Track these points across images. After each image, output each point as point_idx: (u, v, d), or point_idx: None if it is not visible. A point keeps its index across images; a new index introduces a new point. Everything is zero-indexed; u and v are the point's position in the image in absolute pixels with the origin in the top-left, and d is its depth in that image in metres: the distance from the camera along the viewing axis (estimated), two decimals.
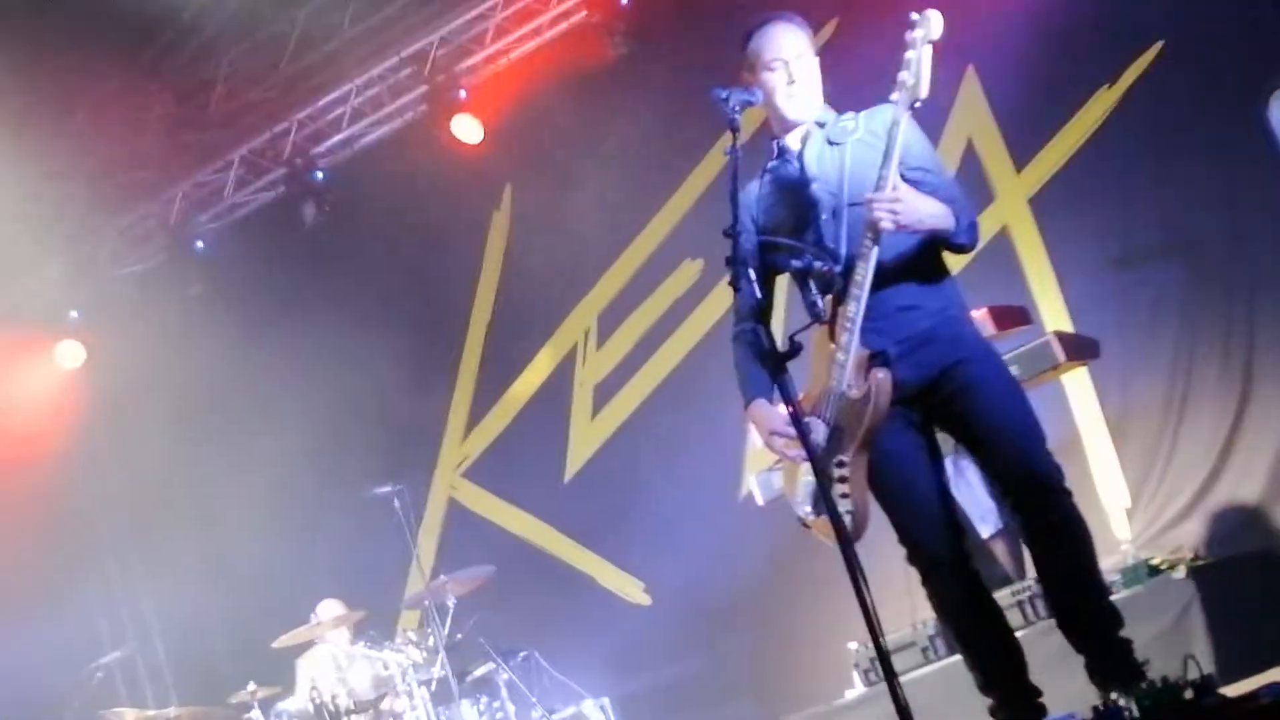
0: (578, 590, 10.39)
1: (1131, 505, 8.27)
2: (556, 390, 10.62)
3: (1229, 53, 8.03)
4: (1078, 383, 8.37)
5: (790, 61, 4.81)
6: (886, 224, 4.50)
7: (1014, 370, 6.53)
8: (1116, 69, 8.46)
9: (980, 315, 6.58)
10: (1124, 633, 4.66)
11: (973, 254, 4.85)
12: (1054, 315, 8.48)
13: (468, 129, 10.33)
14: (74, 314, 11.56)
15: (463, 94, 10.34)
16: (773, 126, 4.95)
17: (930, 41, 4.53)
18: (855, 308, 4.55)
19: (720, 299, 9.57)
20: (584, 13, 10.08)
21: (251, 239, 11.47)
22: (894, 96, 4.57)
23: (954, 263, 4.88)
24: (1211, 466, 8.04)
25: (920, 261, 4.73)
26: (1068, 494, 4.68)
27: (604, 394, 10.47)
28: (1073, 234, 8.66)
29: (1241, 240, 8.10)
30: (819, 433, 4.64)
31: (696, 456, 9.77)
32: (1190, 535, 7.88)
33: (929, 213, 4.59)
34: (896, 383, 4.61)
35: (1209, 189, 8.18)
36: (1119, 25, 8.43)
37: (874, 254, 4.54)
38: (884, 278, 4.58)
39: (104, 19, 9.41)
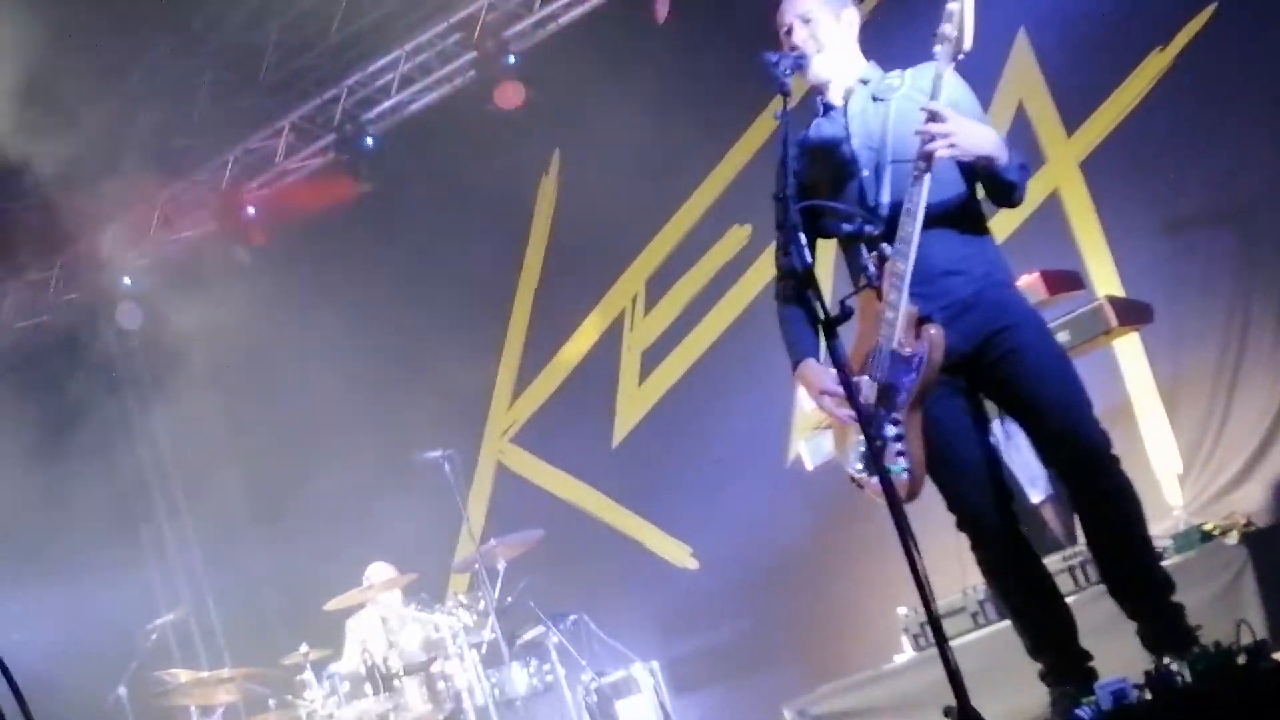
0: (626, 555, 10.44)
1: (1184, 471, 8.23)
2: (604, 356, 10.66)
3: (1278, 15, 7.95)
4: (1130, 348, 8.33)
5: (797, 24, 4.80)
6: (941, 148, 4.45)
7: (1065, 335, 6.54)
8: (1169, 32, 8.39)
9: (1032, 279, 6.54)
10: (1176, 598, 4.65)
11: (1023, 218, 4.82)
12: (1105, 280, 8.43)
13: (515, 95, 10.31)
14: (126, 280, 11.64)
15: (511, 59, 10.33)
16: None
17: None
18: (904, 264, 4.52)
19: (767, 264, 9.55)
20: None
21: (301, 205, 11.49)
22: (936, 49, 4.54)
23: (1004, 227, 4.85)
24: (1265, 432, 7.98)
25: (962, 220, 4.70)
26: (1115, 460, 4.66)
27: (651, 359, 10.49)
28: (1124, 198, 8.61)
29: None
30: (869, 392, 4.63)
31: (744, 421, 9.79)
32: (1243, 501, 7.81)
33: (982, 136, 4.54)
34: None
35: (1261, 153, 8.10)
36: None
37: (923, 199, 4.48)
38: (927, 239, 4.55)
39: None
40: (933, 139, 4.46)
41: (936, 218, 4.60)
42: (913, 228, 4.51)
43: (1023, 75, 8.86)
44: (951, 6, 4.49)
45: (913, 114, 4.63)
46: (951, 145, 4.46)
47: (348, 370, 10.69)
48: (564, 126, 10.47)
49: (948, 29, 4.50)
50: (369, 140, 10.94)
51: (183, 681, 9.22)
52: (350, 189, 10.98)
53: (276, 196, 11.53)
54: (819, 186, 4.83)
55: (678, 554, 10.29)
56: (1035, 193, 4.66)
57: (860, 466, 4.75)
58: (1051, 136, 8.82)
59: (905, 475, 4.56)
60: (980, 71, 4.62)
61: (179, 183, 11.55)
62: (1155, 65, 8.45)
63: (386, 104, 11.02)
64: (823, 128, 4.90)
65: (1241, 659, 4.05)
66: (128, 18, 9.79)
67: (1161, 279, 8.23)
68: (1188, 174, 8.35)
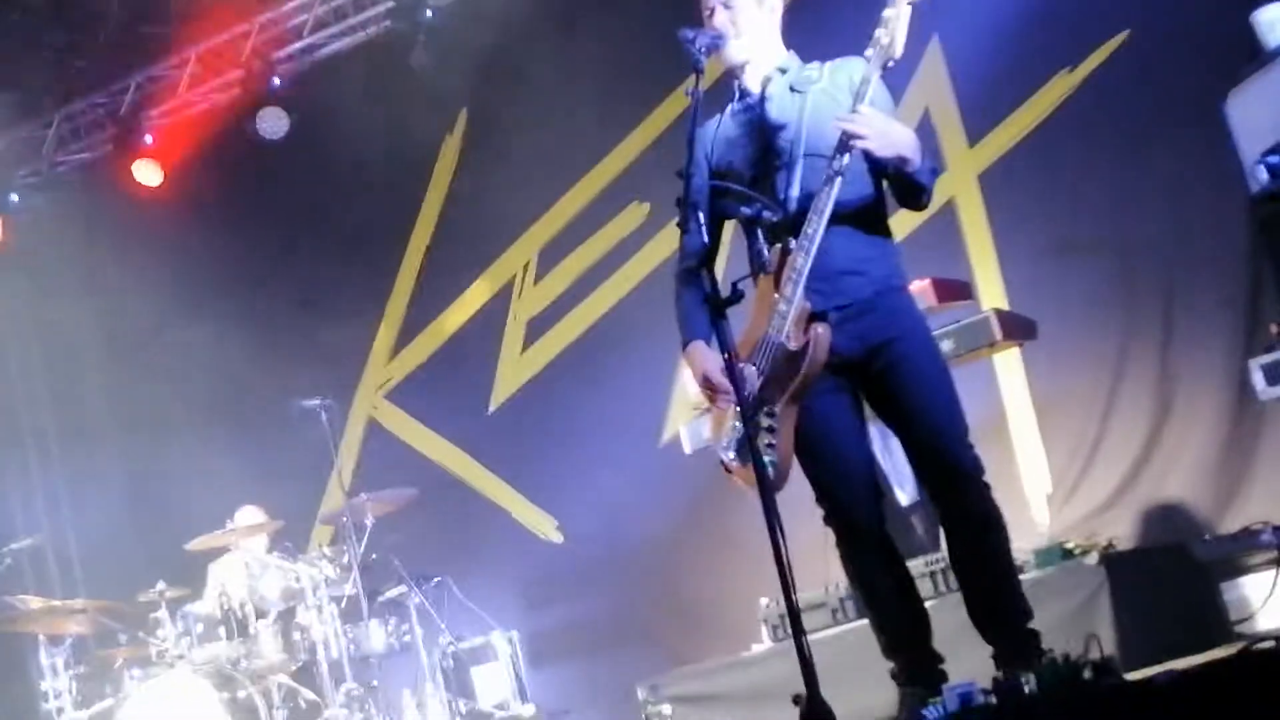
0: (492, 522, 10.40)
1: (1052, 491, 8.34)
2: (489, 321, 10.60)
3: (1191, 48, 8.04)
4: (1009, 363, 8.43)
5: (719, 8, 4.82)
6: (861, 139, 4.48)
7: (949, 344, 6.60)
8: (1079, 54, 8.47)
9: (923, 286, 6.58)
10: (1032, 625, 4.73)
11: (917, 223, 4.87)
12: (991, 292, 8.52)
13: (421, 61, 10.21)
14: (14, 197, 11.40)
15: (429, 14, 10.22)
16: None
17: (911, 3, 4.51)
18: (804, 260, 4.55)
19: (662, 245, 9.57)
20: None
21: (199, 139, 11.30)
22: (868, 53, 4.58)
23: (899, 229, 4.89)
24: (1134, 459, 8.11)
25: (868, 221, 4.74)
26: (986, 486, 4.74)
27: (536, 329, 10.45)
28: (1018, 214, 8.70)
29: (1184, 238, 8.12)
30: (752, 380, 4.65)
31: (622, 400, 9.78)
32: (1108, 525, 7.91)
33: (900, 136, 4.58)
34: (832, 346, 4.63)
35: (1158, 184, 8.20)
36: (1088, 10, 8.44)
37: (833, 195, 4.51)
38: (830, 237, 4.57)
39: None
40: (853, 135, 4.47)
41: (842, 216, 4.63)
42: (818, 225, 4.54)
43: (932, 82, 8.91)
44: (888, 14, 4.53)
45: (829, 108, 4.68)
46: (869, 129, 4.48)
47: (230, 309, 10.57)
48: (474, 86, 10.38)
49: (881, 34, 4.54)
50: (275, 80, 10.76)
51: (33, 608, 9.04)
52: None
53: (176, 127, 11.34)
54: (728, 171, 4.84)
55: (543, 525, 10.28)
56: (934, 199, 4.71)
57: (733, 454, 4.77)
58: (954, 146, 8.90)
59: (770, 468, 4.58)
60: (891, 74, 4.64)
61: (77, 103, 11.30)
62: (1062, 86, 8.53)
63: (297, 45, 10.86)
64: (737, 113, 4.91)
65: (1088, 673, 4.12)
66: None
67: (1046, 297, 8.30)
68: (1082, 196, 8.44)
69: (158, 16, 10.89)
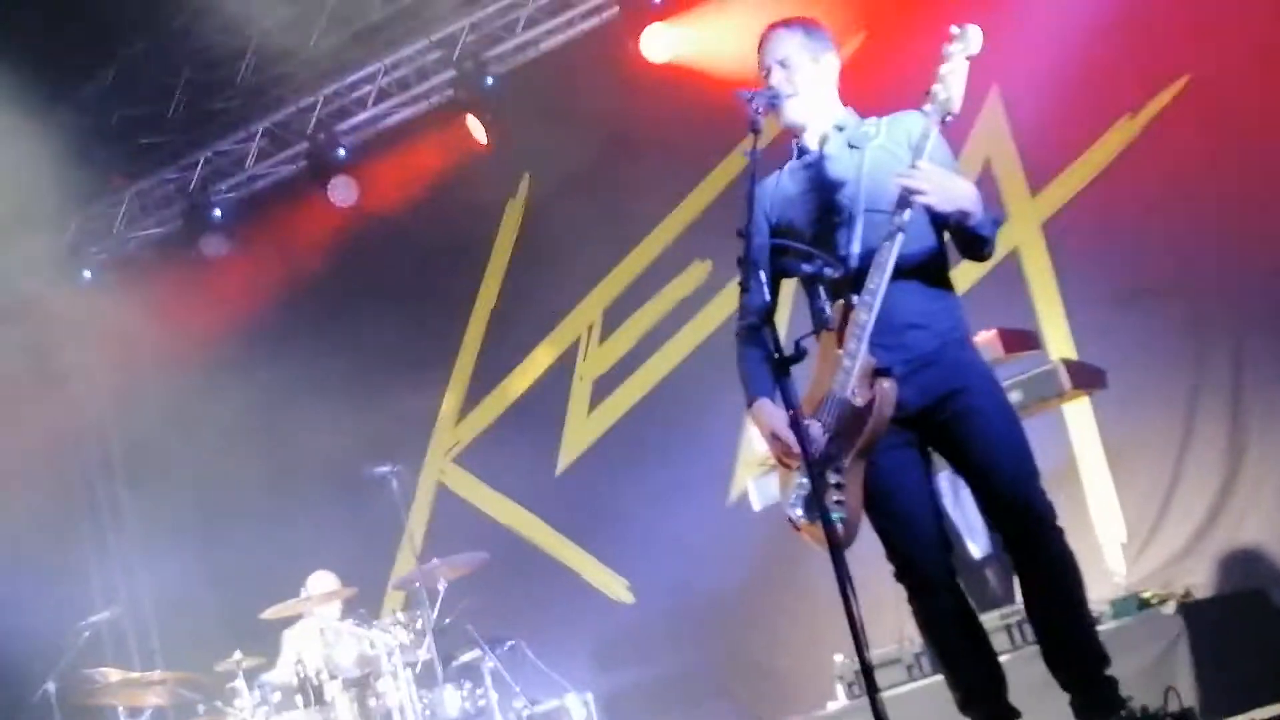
0: (564, 584, 10.39)
1: (1127, 540, 8.26)
2: (556, 382, 10.63)
3: (1252, 94, 8.02)
4: (1079, 412, 8.37)
5: (775, 67, 4.84)
6: (921, 195, 4.47)
7: (1018, 395, 6.56)
8: (1140, 100, 8.46)
9: (989, 337, 6.56)
10: (1110, 671, 4.68)
11: (982, 273, 4.85)
12: (1058, 341, 8.48)
13: (479, 128, 10.33)
14: (87, 274, 11.57)
15: (490, 80, 10.34)
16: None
17: (969, 57, 4.53)
18: (867, 316, 4.54)
19: (725, 302, 9.57)
20: (616, 9, 10.10)
21: (268, 211, 11.46)
22: (926, 108, 4.58)
23: (963, 280, 4.88)
24: (1210, 506, 8.04)
25: (930, 274, 4.73)
26: (1059, 531, 4.70)
27: (602, 389, 10.47)
28: (1083, 262, 8.66)
29: (1250, 282, 8.08)
30: (818, 437, 4.64)
31: (689, 458, 9.77)
32: (1185, 572, 7.86)
33: (961, 190, 4.57)
34: (898, 400, 4.62)
35: (1222, 229, 8.17)
36: (1148, 57, 8.43)
37: (895, 250, 4.52)
38: (893, 291, 4.57)
39: None
40: (914, 191, 4.48)
41: (905, 271, 4.63)
42: (880, 280, 4.53)
43: (992, 132, 8.91)
44: (944, 69, 4.54)
45: (888, 164, 4.68)
46: (928, 185, 4.49)
47: (301, 377, 10.64)
48: (536, 151, 10.45)
49: (939, 90, 4.54)
50: (341, 151, 10.90)
51: (112, 681, 9.13)
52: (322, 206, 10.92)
53: (244, 200, 11.50)
54: (788, 229, 4.85)
55: (614, 587, 10.26)
56: (996, 249, 4.70)
57: (800, 511, 4.76)
58: (1016, 195, 8.88)
59: (839, 524, 4.56)
60: (950, 126, 4.64)
61: (146, 180, 11.48)
62: (1124, 132, 8.51)
63: (362, 116, 11.01)
64: (795, 171, 4.93)
65: None
66: (108, 14, 9.81)
67: (1114, 345, 8.25)
68: (1147, 243, 8.39)
69: (225, 92, 11.06)
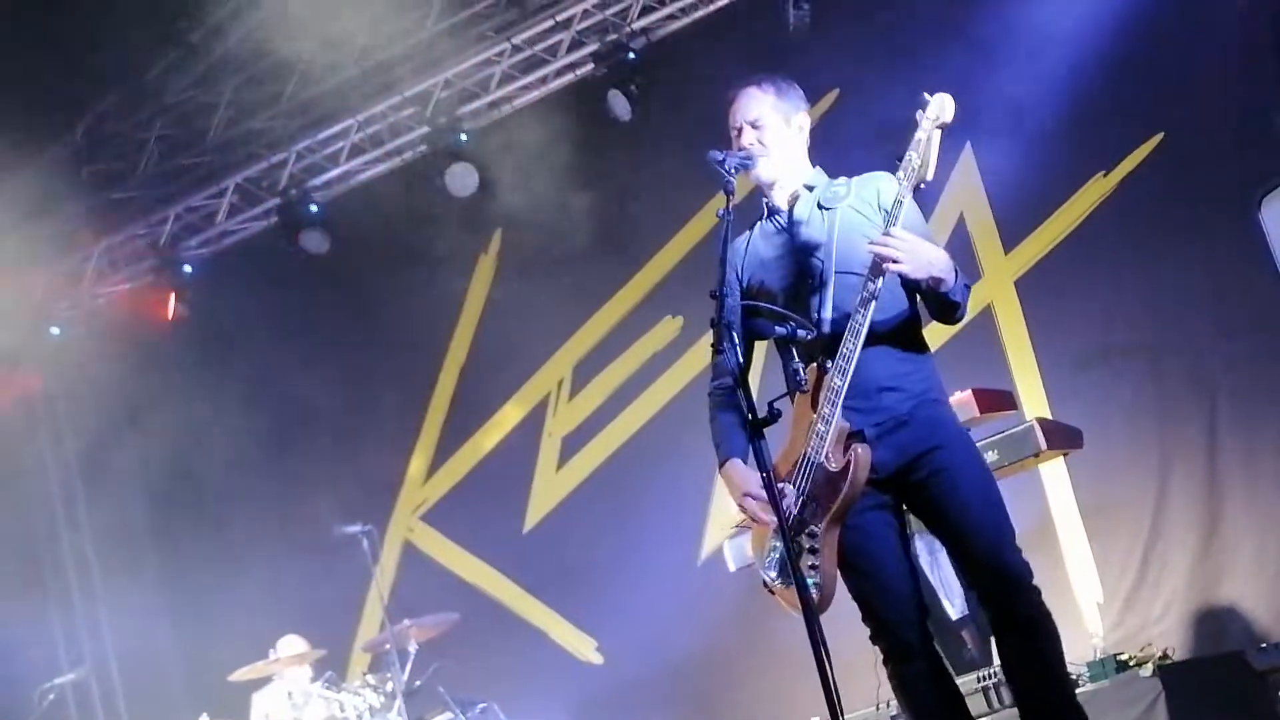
0: (534, 644, 10.31)
1: (1104, 601, 8.21)
2: (525, 439, 10.57)
3: (1225, 150, 8.05)
4: (1054, 472, 8.33)
5: (746, 128, 4.81)
6: (895, 263, 4.43)
7: (993, 456, 6.53)
8: (1113, 158, 8.48)
9: (964, 397, 6.55)
10: None
11: (954, 331, 4.82)
12: (1032, 399, 8.46)
13: (461, 181, 10.28)
14: (55, 330, 11.47)
15: (463, 138, 10.32)
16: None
17: (940, 126, 4.50)
18: (840, 381, 4.50)
19: (696, 358, 9.56)
20: (590, 65, 10.10)
21: (237, 268, 11.39)
22: (899, 176, 4.54)
23: (936, 338, 4.84)
24: (1187, 567, 8.02)
25: (903, 337, 4.70)
26: (1036, 591, 4.64)
27: (571, 446, 10.42)
28: (1057, 319, 8.66)
29: (1224, 341, 8.09)
30: (791, 501, 4.59)
31: (658, 516, 9.73)
32: (1162, 633, 7.83)
33: (934, 257, 4.52)
34: (874, 463, 4.57)
35: (1195, 287, 8.18)
36: (1122, 114, 8.47)
37: (868, 316, 4.48)
38: (866, 355, 4.53)
39: (112, 31, 9.41)
40: (887, 259, 4.45)
41: (878, 335, 4.60)
42: (854, 346, 4.49)
43: (966, 188, 8.92)
44: (918, 136, 4.51)
45: (858, 224, 4.65)
46: (902, 252, 4.45)
47: (267, 433, 10.57)
48: (509, 207, 10.42)
49: (912, 157, 4.51)
50: (313, 206, 10.86)
51: None
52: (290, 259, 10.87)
53: (215, 256, 11.44)
54: (760, 291, 4.81)
55: (582, 647, 10.17)
56: (970, 306, 4.66)
57: (774, 574, 4.70)
58: (989, 251, 8.88)
59: (814, 590, 4.50)
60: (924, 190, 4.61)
61: (116, 235, 11.41)
62: (1097, 190, 8.53)
63: (334, 171, 10.98)
64: (767, 232, 4.89)
65: None
66: (80, 67, 9.77)
67: (1089, 403, 8.25)
68: (1121, 301, 8.41)
69: (196, 148, 11.01)
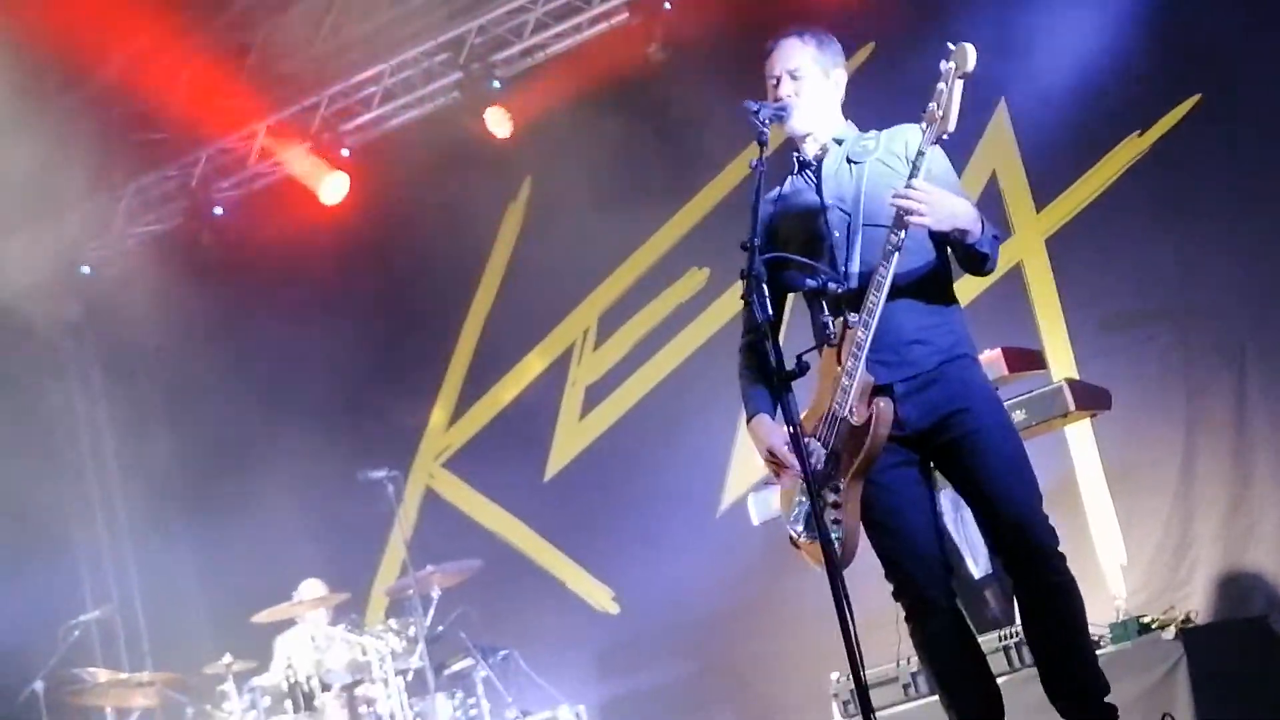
0: (554, 593, 10.31)
1: (1128, 563, 8.19)
2: (548, 387, 10.54)
3: (1264, 116, 7.97)
4: (1080, 433, 8.29)
5: (785, 78, 4.78)
6: (917, 216, 4.42)
7: (1021, 415, 6.52)
8: (1148, 118, 8.39)
9: (994, 355, 6.52)
10: (1110, 699, 4.61)
11: (984, 287, 4.78)
12: (1060, 358, 8.40)
13: (498, 121, 10.26)
14: (85, 269, 11.50)
15: (496, 84, 10.29)
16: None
17: (963, 76, 4.45)
18: (864, 334, 4.49)
19: (722, 310, 9.53)
20: (626, 14, 10.04)
21: (269, 209, 11.39)
22: (922, 127, 4.52)
23: (965, 293, 4.82)
24: (1213, 531, 7.97)
25: (930, 290, 4.68)
26: (1061, 558, 4.63)
27: (595, 395, 10.39)
28: (1086, 279, 8.60)
29: (1255, 304, 8.02)
30: (817, 455, 4.58)
31: (679, 468, 9.71)
32: (1185, 597, 7.80)
33: (957, 208, 4.51)
34: (899, 419, 4.56)
35: (1227, 251, 8.10)
36: (1159, 74, 8.38)
37: (891, 268, 4.47)
38: (893, 308, 4.52)
39: None
40: (909, 211, 4.42)
41: (904, 287, 4.58)
42: (878, 298, 4.48)
43: (999, 145, 8.85)
44: (940, 87, 4.47)
45: (886, 178, 4.63)
46: (925, 204, 4.42)
47: (292, 378, 10.59)
48: (539, 155, 10.39)
49: (934, 109, 4.47)
50: (345, 151, 10.84)
51: (101, 681, 9.10)
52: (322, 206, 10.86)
53: (246, 198, 11.44)
54: (789, 241, 4.78)
55: (599, 596, 10.17)
56: (1000, 263, 4.64)
57: (801, 528, 4.70)
58: (1020, 209, 8.81)
59: (837, 544, 4.49)
60: (957, 136, 4.55)
61: (147, 175, 11.41)
62: (1131, 150, 8.45)
63: (366, 116, 10.96)
64: (797, 184, 4.87)
65: None
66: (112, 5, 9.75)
67: (1116, 365, 8.20)
68: (1152, 262, 8.34)
69: (228, 89, 10.99)
